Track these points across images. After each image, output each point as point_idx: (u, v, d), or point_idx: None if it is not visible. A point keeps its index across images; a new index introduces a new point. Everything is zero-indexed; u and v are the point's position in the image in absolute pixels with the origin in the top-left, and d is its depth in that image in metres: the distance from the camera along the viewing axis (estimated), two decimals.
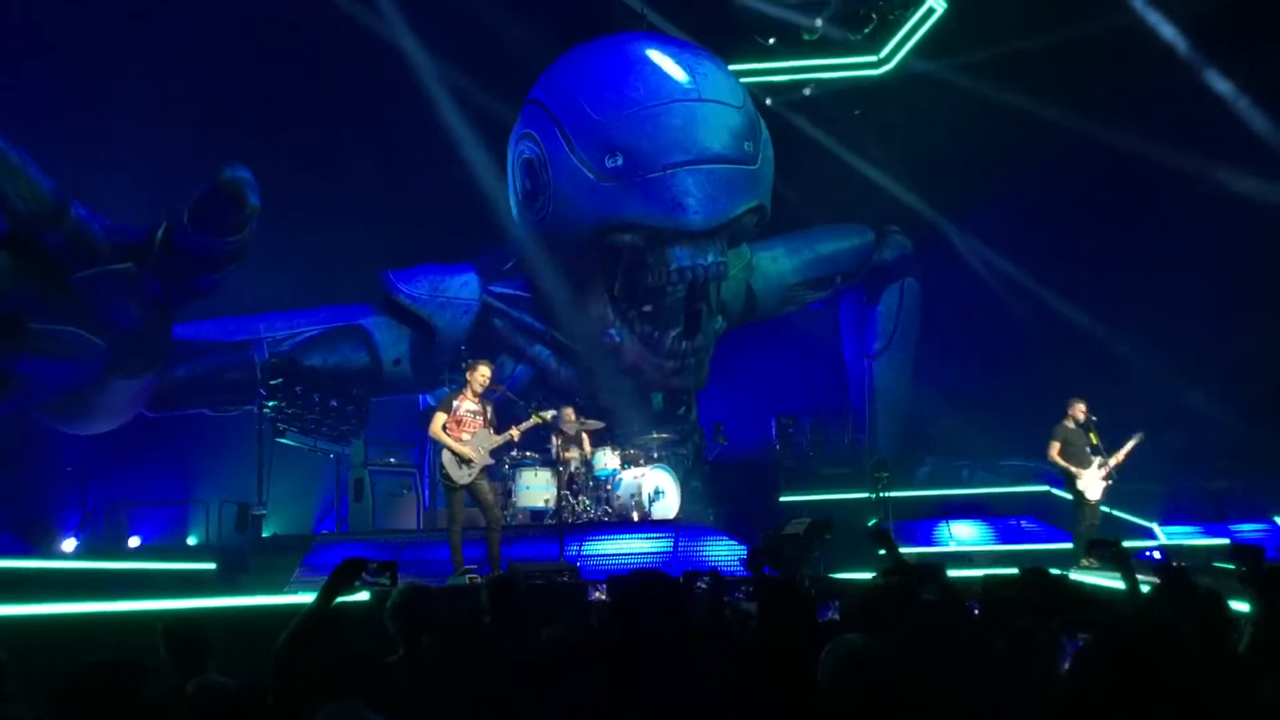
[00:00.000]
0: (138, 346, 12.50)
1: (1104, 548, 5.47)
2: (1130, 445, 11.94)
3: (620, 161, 14.09)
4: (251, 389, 14.33)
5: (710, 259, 14.33)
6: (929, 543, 14.22)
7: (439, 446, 10.41)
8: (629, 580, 3.88)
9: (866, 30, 16.79)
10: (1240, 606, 4.68)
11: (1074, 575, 9.65)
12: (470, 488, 10.29)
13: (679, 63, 14.55)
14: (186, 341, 14.13)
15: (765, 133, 15.04)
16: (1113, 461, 11.95)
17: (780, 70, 17.07)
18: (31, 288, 11.63)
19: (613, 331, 15.16)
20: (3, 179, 11.13)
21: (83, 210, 11.74)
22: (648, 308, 14.98)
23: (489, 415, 10.51)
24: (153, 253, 12.06)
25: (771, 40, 16.88)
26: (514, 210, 15.42)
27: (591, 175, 14.21)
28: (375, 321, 15.45)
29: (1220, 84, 15.23)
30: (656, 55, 14.69)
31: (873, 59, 17.10)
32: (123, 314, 12.15)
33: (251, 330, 14.86)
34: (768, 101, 16.22)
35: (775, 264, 16.96)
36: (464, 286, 15.53)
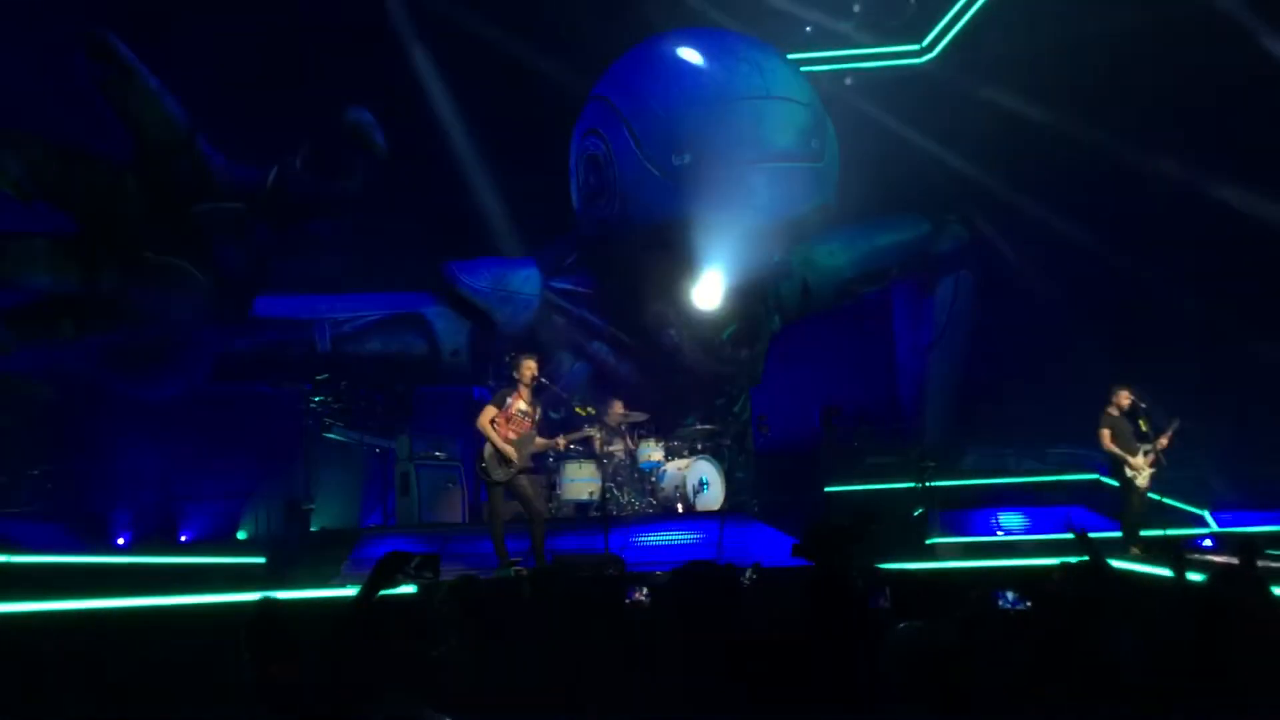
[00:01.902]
0: (236, 291, 12.88)
1: (1160, 547, 5.45)
2: (1170, 431, 11.91)
3: (688, 159, 14.00)
4: (311, 368, 14.55)
5: (776, 258, 14.27)
6: (975, 532, 14.11)
7: (482, 440, 10.43)
8: (685, 570, 3.88)
9: (906, 16, 16.56)
10: None
11: (1123, 564, 9.57)
12: (510, 485, 10.33)
13: (747, 59, 14.44)
14: (250, 316, 14.33)
15: (831, 130, 14.91)
16: (1158, 448, 11.90)
17: (822, 60, 16.90)
18: (151, 215, 12.03)
19: (671, 331, 15.08)
20: (138, 103, 11.55)
21: (206, 145, 12.01)
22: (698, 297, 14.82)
23: (537, 417, 10.54)
24: (264, 195, 12.34)
25: (809, 28, 16.71)
26: (576, 205, 15.40)
27: (658, 173, 14.14)
28: (436, 311, 15.46)
29: None
30: (723, 51, 14.59)
31: (915, 47, 16.91)
32: (229, 254, 12.56)
33: (314, 309, 14.96)
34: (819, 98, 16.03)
35: (831, 258, 16.74)
36: (526, 281, 15.49)
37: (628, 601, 6.23)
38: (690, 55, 14.64)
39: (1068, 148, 15.59)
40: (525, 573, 9.65)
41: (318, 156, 12.31)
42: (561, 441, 10.84)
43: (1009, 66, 15.84)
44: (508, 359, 11.09)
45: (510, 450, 10.20)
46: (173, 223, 12.17)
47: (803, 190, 14.25)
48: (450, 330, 15.47)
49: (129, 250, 12.08)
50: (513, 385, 10.60)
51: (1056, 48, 15.12)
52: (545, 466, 13.35)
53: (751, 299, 15.01)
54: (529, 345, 14.46)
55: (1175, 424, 11.97)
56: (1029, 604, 4.91)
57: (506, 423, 10.31)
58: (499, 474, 10.26)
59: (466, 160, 15.97)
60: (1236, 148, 14.90)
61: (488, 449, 10.29)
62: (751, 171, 13.92)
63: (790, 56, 15.80)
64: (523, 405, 10.40)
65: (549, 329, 15.52)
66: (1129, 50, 14.91)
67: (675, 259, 14.57)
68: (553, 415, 12.94)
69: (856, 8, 16.34)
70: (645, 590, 6.08)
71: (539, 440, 10.54)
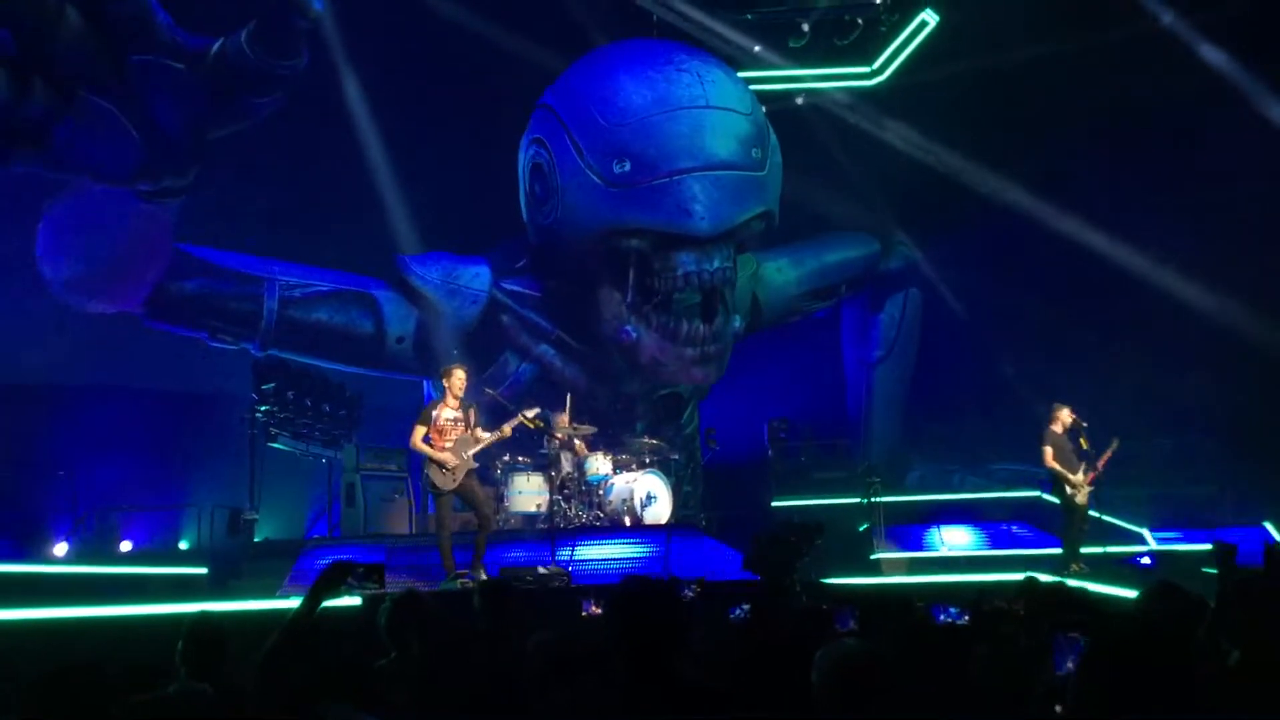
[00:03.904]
0: (167, 159, 12.86)
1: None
2: (1109, 451, 12.07)
3: (628, 167, 14.21)
4: (253, 325, 14.66)
5: (716, 264, 14.46)
6: (920, 548, 14.26)
7: (422, 458, 10.51)
8: (626, 585, 3.89)
9: (852, 37, 16.72)
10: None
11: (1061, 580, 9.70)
12: (459, 491, 10.33)
13: (688, 70, 14.64)
14: (201, 260, 14.49)
15: (774, 140, 15.13)
16: (1098, 466, 12.06)
17: (773, 79, 17.02)
18: (91, 54, 12.04)
19: (629, 328, 15.11)
20: None
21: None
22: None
23: (472, 420, 10.51)
24: (207, 62, 12.48)
25: (757, 48, 16.82)
26: (524, 212, 15.51)
27: (599, 180, 14.34)
28: (387, 295, 15.55)
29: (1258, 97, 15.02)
30: (665, 61, 14.78)
31: (866, 69, 17.08)
32: (165, 114, 12.58)
33: (266, 269, 15.01)
34: (762, 109, 16.17)
35: (780, 274, 17.00)
36: (475, 278, 15.63)
37: (584, 614, 6.22)
38: (633, 65, 14.85)
39: (1019, 167, 15.95)
40: (472, 584, 9.62)
41: (263, 32, 12.44)
42: (502, 432, 10.74)
43: (944, 92, 16.06)
44: (439, 372, 11.10)
45: (445, 455, 10.21)
46: (113, 66, 12.22)
47: (742, 198, 14.52)
48: (398, 316, 15.54)
49: (63, 82, 12.07)
50: (439, 397, 10.67)
51: (989, 76, 15.35)
52: (493, 479, 13.32)
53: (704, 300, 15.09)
54: (475, 341, 14.93)
55: (1115, 444, 12.13)
56: (967, 618, 4.97)
57: (440, 435, 10.33)
58: (444, 483, 10.26)
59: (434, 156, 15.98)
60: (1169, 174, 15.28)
61: (427, 462, 10.33)
62: (690, 179, 14.13)
63: (741, 74, 15.95)
64: (450, 413, 10.41)
65: (496, 328, 15.64)
66: (1060, 78, 15.22)
67: (619, 264, 14.78)
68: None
69: (805, 27, 16.46)
70: (601, 602, 6.06)
71: (481, 435, 10.50)
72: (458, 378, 10.53)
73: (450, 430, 10.37)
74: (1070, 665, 3.85)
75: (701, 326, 15.21)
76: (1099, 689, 2.83)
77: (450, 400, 10.46)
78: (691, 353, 15.38)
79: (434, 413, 10.41)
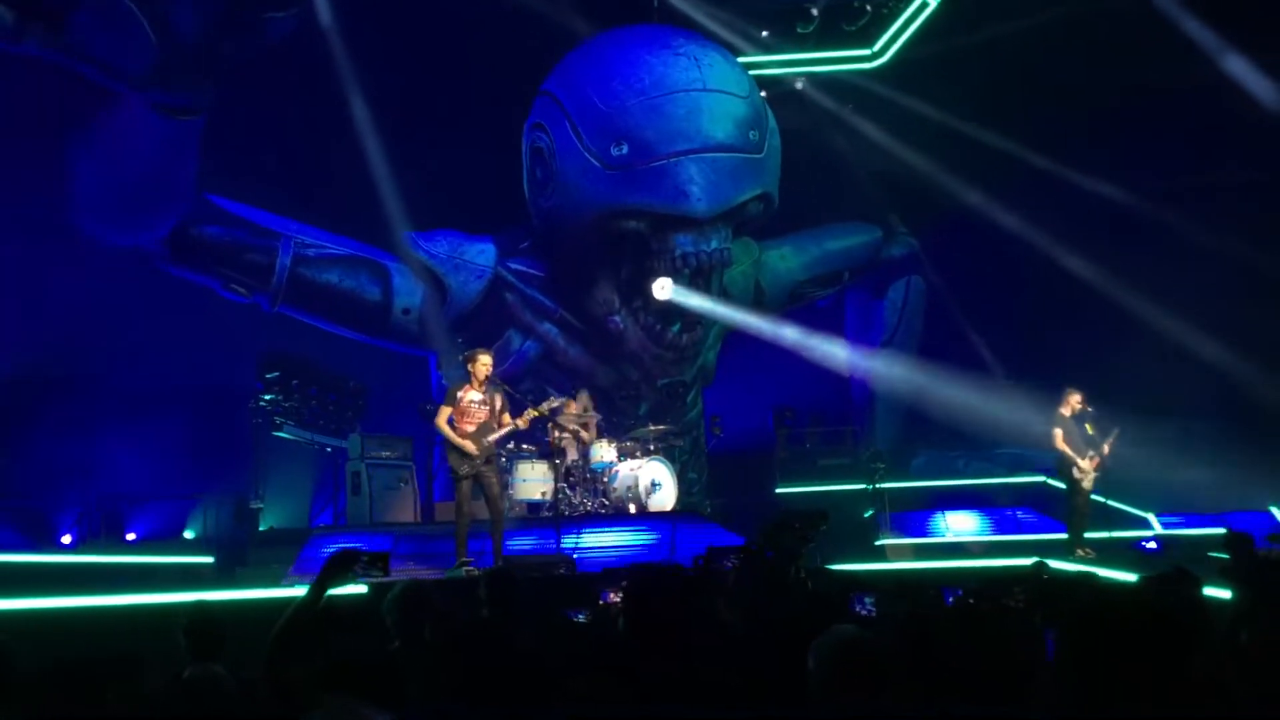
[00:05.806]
0: (181, 65, 12.92)
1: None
2: (1111, 439, 12.06)
3: (625, 150, 14.36)
4: (264, 279, 14.94)
5: (713, 245, 14.59)
6: (925, 533, 14.26)
7: (443, 441, 10.50)
8: (637, 571, 3.87)
9: (861, 23, 16.67)
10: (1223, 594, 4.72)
11: (1068, 565, 9.71)
12: (476, 478, 10.34)
13: (685, 53, 14.74)
14: (225, 210, 14.88)
15: (772, 123, 15.24)
16: (1104, 451, 12.05)
17: (773, 63, 16.99)
18: None
19: (616, 318, 15.44)
20: None
21: None
22: (655, 287, 14.93)
23: (496, 405, 10.48)
24: None
25: (765, 34, 16.80)
26: (527, 195, 15.61)
27: (598, 164, 14.49)
28: (398, 267, 15.76)
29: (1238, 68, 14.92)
30: (662, 46, 14.88)
31: (866, 52, 17.02)
32: (181, 18, 12.64)
33: (284, 226, 15.32)
34: (762, 94, 16.11)
35: (783, 261, 17.09)
36: (480, 254, 15.91)
37: (602, 603, 6.21)
38: (630, 50, 15.01)
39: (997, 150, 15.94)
40: (478, 572, 9.63)
41: None
42: (522, 421, 10.71)
43: (938, 72, 16.02)
44: (462, 356, 11.04)
45: (467, 444, 10.20)
46: None
47: (740, 180, 14.64)
48: (407, 288, 15.72)
49: None
50: (464, 379, 10.62)
51: (988, 53, 15.31)
52: (499, 466, 13.32)
53: (695, 286, 15.16)
54: (478, 319, 15.33)
55: (1116, 432, 12.13)
56: (972, 602, 4.95)
57: (462, 417, 10.32)
58: (462, 468, 10.27)
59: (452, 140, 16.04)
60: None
61: (448, 447, 10.34)
62: (687, 161, 14.23)
63: (744, 59, 15.94)
64: (475, 395, 10.40)
65: (499, 305, 15.83)
66: (1062, 58, 15.19)
67: (617, 246, 14.91)
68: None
69: (814, 12, 16.43)
70: (617, 591, 6.04)
71: (506, 420, 10.47)
72: (482, 363, 10.50)
73: (475, 413, 10.38)
74: (1060, 651, 3.84)
75: (684, 337, 15.66)
76: (1090, 674, 2.81)
77: (474, 382, 10.46)
78: (670, 356, 15.89)
79: (459, 394, 10.42)
